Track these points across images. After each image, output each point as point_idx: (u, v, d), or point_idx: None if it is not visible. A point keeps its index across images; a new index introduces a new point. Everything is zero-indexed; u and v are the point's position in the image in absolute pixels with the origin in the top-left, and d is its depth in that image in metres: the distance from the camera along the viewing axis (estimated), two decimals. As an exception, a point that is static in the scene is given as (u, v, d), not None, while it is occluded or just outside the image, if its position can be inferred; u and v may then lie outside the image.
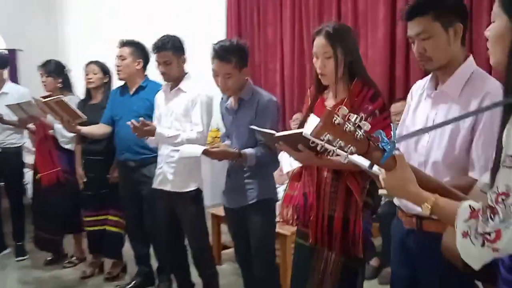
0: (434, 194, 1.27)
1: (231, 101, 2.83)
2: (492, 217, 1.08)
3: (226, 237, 3.77)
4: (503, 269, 1.23)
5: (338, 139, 1.16)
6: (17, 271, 4.32)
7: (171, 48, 3.07)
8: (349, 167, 1.75)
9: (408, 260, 1.87)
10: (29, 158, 4.62)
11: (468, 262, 1.16)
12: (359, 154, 1.21)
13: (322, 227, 2.20)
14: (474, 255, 1.13)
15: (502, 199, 1.07)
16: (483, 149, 1.62)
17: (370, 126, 1.18)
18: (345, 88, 2.17)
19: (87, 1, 6.56)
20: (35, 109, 3.85)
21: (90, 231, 3.98)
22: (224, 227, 3.81)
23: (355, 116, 1.17)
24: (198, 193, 3.17)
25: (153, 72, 3.43)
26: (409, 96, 2.00)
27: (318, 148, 1.20)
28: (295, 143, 1.98)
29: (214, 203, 3.33)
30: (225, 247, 4.22)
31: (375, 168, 1.28)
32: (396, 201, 1.89)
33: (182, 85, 3.13)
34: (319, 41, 2.15)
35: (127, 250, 3.97)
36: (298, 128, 2.61)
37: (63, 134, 3.96)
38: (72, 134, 3.83)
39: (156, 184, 3.23)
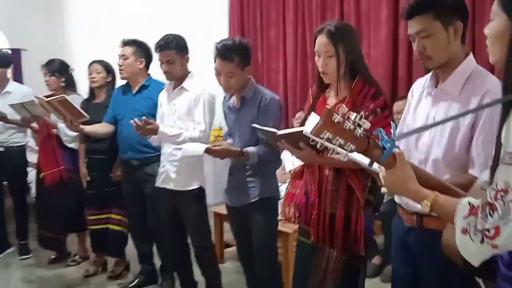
0: (434, 191, 1.28)
1: (233, 100, 2.84)
2: (491, 213, 1.09)
3: (228, 235, 3.78)
4: (502, 265, 1.24)
5: (338, 137, 1.17)
6: (21, 269, 4.35)
7: (174, 47, 3.08)
8: (351, 165, 1.75)
9: (408, 258, 1.87)
10: (32, 157, 4.64)
11: (468, 258, 1.16)
12: (359, 152, 1.22)
13: (324, 225, 2.21)
14: (473, 251, 1.14)
15: (501, 196, 1.08)
16: (483, 146, 1.62)
17: (370, 125, 1.19)
18: (346, 87, 2.18)
19: (90, 0, 6.58)
20: (38, 108, 3.86)
21: (93, 229, 3.99)
22: (226, 226, 3.83)
23: (355, 114, 1.17)
24: (200, 191, 3.18)
25: (156, 71, 3.44)
26: (409, 94, 2.01)
27: (318, 146, 1.21)
28: (297, 141, 1.99)
29: (216, 202, 3.35)
30: (228, 246, 4.24)
31: (375, 166, 1.29)
32: (396, 198, 1.90)
33: (185, 84, 3.14)
34: (321, 40, 2.16)
35: (130, 248, 3.98)
36: (300, 126, 2.62)
37: (66, 133, 3.98)
38: (75, 133, 3.84)
39: (159, 183, 3.24)
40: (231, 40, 2.77)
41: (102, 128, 3.64)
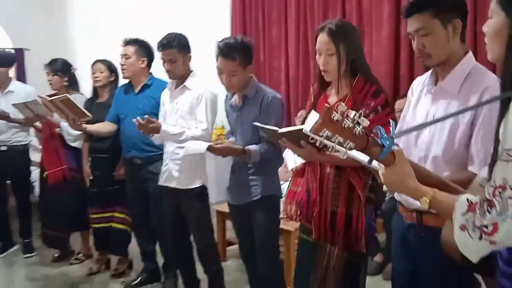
0: (433, 188, 1.29)
1: (235, 99, 2.85)
2: (489, 210, 1.10)
3: (231, 233, 3.80)
4: (501, 261, 1.25)
5: (337, 135, 1.18)
6: (25, 267, 4.37)
7: (177, 46, 3.09)
8: (352, 163, 1.76)
9: (408, 255, 1.88)
10: (35, 156, 4.65)
11: (466, 255, 1.17)
12: (358, 150, 1.23)
13: (325, 223, 2.22)
14: (472, 248, 1.15)
15: (499, 192, 1.09)
16: (482, 143, 1.63)
17: (369, 122, 1.20)
18: (347, 85, 2.19)
19: (92, 0, 6.60)
20: (41, 107, 3.88)
21: (96, 228, 4.01)
22: (229, 224, 3.84)
23: (354, 112, 1.18)
24: (203, 190, 3.19)
25: (158, 70, 3.46)
26: (409, 92, 2.02)
27: (317, 144, 1.23)
28: (298, 140, 2.00)
29: (219, 200, 3.36)
30: (230, 244, 4.25)
31: (375, 163, 1.30)
32: (396, 196, 1.91)
33: (187, 83, 3.15)
34: (322, 38, 2.17)
35: (133, 246, 4.00)
36: (301, 124, 2.63)
37: (69, 132, 4.00)
38: (78, 132, 3.86)
39: (161, 181, 3.25)
40: (233, 39, 2.77)
41: (104, 127, 3.66)
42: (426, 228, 1.75)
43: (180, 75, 3.15)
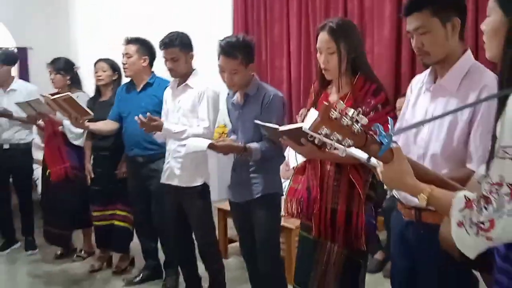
0: (431, 185, 1.30)
1: (237, 97, 2.86)
2: (486, 206, 1.11)
3: (232, 231, 3.81)
4: (498, 257, 1.26)
5: (336, 133, 1.19)
6: (28, 265, 4.39)
7: (179, 45, 3.10)
8: (352, 160, 1.77)
9: (407, 252, 1.90)
10: (38, 154, 4.67)
11: (463, 251, 1.18)
12: (357, 147, 1.24)
13: (325, 220, 2.23)
14: (469, 244, 1.16)
15: (496, 189, 1.10)
16: (480, 141, 1.64)
17: (367, 120, 1.21)
18: (348, 83, 2.20)
19: (94, -1, 6.63)
20: (44, 106, 3.90)
21: (98, 225, 4.03)
22: (230, 221, 3.86)
23: (352, 110, 1.20)
24: (205, 188, 3.21)
25: (160, 68, 3.47)
26: (408, 90, 2.03)
27: (316, 142, 1.24)
28: (298, 137, 2.01)
29: (220, 198, 3.38)
30: (231, 241, 4.26)
31: (374, 160, 1.32)
32: (395, 193, 1.92)
33: (189, 81, 3.16)
34: (323, 37, 2.18)
35: (135, 244, 4.02)
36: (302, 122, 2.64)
37: (72, 131, 4.02)
38: (80, 130, 3.88)
39: (163, 179, 3.27)
40: (234, 37, 2.79)
41: (106, 125, 3.68)
42: (425, 225, 1.76)
43: (182, 74, 3.16)
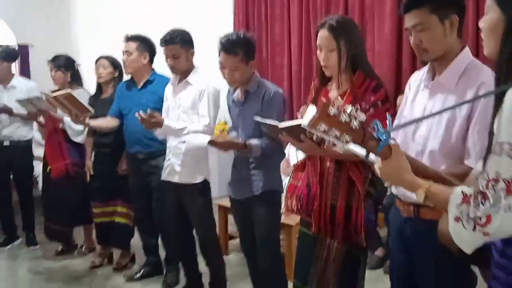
0: (429, 181, 1.31)
1: (237, 94, 2.86)
2: (483, 202, 1.12)
3: (233, 227, 3.83)
4: (495, 253, 1.27)
5: (334, 129, 1.20)
6: (29, 261, 4.41)
7: (180, 42, 3.11)
8: (352, 157, 1.79)
9: (405, 247, 1.91)
10: (38, 151, 4.68)
11: (461, 246, 1.20)
12: (355, 144, 1.25)
13: (325, 216, 2.24)
14: (466, 239, 1.17)
15: (492, 185, 1.11)
16: (478, 137, 1.65)
17: (365, 117, 1.22)
18: (348, 80, 2.21)
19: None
20: (44, 103, 3.92)
21: (99, 222, 4.04)
22: (231, 218, 3.87)
23: (351, 107, 1.21)
24: (205, 184, 3.22)
25: (160, 65, 3.48)
26: (407, 87, 2.04)
27: (314, 138, 1.25)
28: (297, 134, 2.02)
29: (221, 195, 3.39)
30: (232, 238, 4.28)
31: (372, 156, 1.33)
32: (393, 190, 1.93)
33: (190, 78, 3.17)
34: (323, 34, 2.19)
35: (136, 240, 4.04)
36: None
37: (72, 127, 4.03)
38: (80, 127, 3.89)
39: (164, 176, 3.28)
40: (235, 34, 2.80)
41: (107, 122, 3.68)
42: (423, 221, 1.77)
43: (183, 71, 3.17)
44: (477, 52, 3.42)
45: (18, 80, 4.68)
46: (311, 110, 1.24)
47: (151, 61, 3.62)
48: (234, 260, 4.06)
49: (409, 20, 1.79)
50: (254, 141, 2.70)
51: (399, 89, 4.29)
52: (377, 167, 1.36)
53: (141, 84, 3.60)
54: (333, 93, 2.26)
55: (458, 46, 1.80)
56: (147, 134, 3.38)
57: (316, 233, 2.30)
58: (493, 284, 1.29)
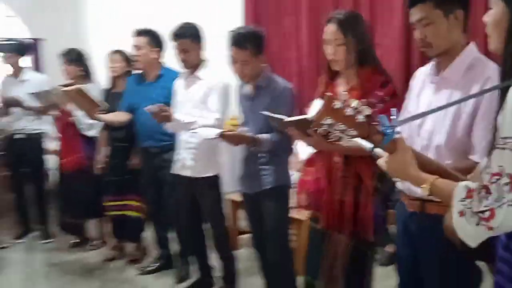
0: (434, 175, 1.31)
1: (248, 88, 2.88)
2: (487, 196, 1.13)
3: (243, 222, 3.85)
4: (499, 246, 1.27)
5: (339, 123, 1.21)
6: (44, 253, 4.48)
7: (190, 36, 3.13)
8: (359, 152, 1.79)
9: (409, 242, 1.91)
10: (52, 145, 4.73)
11: (465, 240, 1.20)
12: (360, 138, 1.26)
13: (333, 211, 2.26)
14: (470, 233, 1.18)
15: (496, 179, 1.11)
16: (483, 132, 1.64)
17: (371, 110, 1.23)
18: (356, 75, 2.21)
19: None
20: (56, 97, 3.96)
21: (112, 215, 4.08)
22: (241, 213, 3.89)
23: (356, 101, 1.22)
24: (216, 178, 3.25)
25: (170, 59, 3.50)
26: (411, 82, 2.03)
27: (319, 132, 1.26)
28: (305, 128, 2.02)
29: (232, 189, 3.41)
30: (243, 232, 4.29)
31: (378, 150, 1.34)
32: (399, 185, 1.94)
33: (200, 73, 3.19)
34: (330, 28, 2.19)
35: (148, 234, 4.08)
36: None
37: (82, 121, 4.08)
38: (90, 121, 3.91)
39: (175, 170, 3.31)
40: (245, 28, 2.82)
41: (117, 116, 3.68)
42: (428, 216, 1.78)
43: (194, 65, 3.18)
44: (486, 48, 3.38)
45: (29, 74, 4.73)
46: (317, 104, 1.25)
47: (161, 55, 3.63)
48: (245, 254, 4.08)
49: (414, 15, 1.79)
50: (264, 135, 2.72)
51: (408, 84, 4.26)
52: (382, 161, 1.37)
53: (151, 78, 3.62)
54: (341, 88, 2.26)
55: (463, 42, 1.80)
56: (158, 128, 3.38)
57: (324, 228, 2.31)
58: (498, 279, 1.30)
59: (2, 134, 4.76)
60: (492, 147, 1.19)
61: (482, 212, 1.13)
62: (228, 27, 2.90)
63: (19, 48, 4.65)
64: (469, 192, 1.18)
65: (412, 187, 1.66)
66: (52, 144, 4.69)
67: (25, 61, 4.83)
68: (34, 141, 4.65)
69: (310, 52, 5.14)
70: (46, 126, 4.70)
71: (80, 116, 3.98)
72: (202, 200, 3.28)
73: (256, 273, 3.23)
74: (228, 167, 3.37)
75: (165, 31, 3.38)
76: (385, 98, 2.10)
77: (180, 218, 3.46)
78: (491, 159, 1.15)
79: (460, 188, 1.21)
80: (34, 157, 4.70)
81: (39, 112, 4.50)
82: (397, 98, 2.16)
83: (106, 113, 3.61)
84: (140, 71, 3.70)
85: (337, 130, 1.22)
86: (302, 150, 4.19)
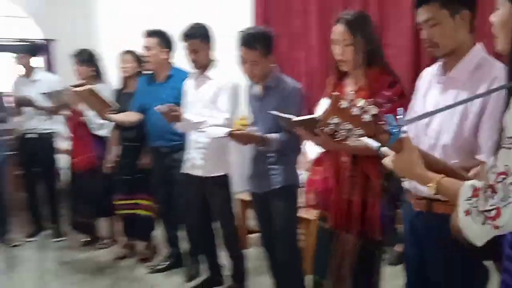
0: (440, 175, 1.32)
1: (257, 88, 2.89)
2: (492, 195, 1.13)
3: (252, 222, 3.86)
4: (506, 245, 1.28)
5: (346, 123, 1.23)
6: (55, 251, 4.52)
7: (200, 36, 3.15)
8: (367, 151, 1.80)
9: (416, 241, 1.92)
10: (63, 144, 4.77)
11: (471, 239, 1.21)
12: (367, 137, 1.27)
13: (341, 211, 2.27)
14: (476, 232, 1.18)
15: (502, 178, 1.12)
16: (490, 132, 1.64)
17: (377, 110, 1.24)
18: (364, 75, 2.22)
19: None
20: (68, 97, 4.00)
21: (123, 214, 4.11)
22: (250, 212, 3.91)
23: (363, 100, 1.23)
24: (226, 178, 3.27)
25: (179, 60, 3.52)
26: (418, 82, 2.04)
27: (325, 131, 1.27)
28: (312, 128, 2.04)
29: (242, 189, 3.43)
30: (251, 232, 4.31)
31: (385, 149, 1.35)
32: (406, 184, 1.94)
33: (210, 73, 3.21)
34: (338, 29, 2.21)
35: (158, 233, 4.12)
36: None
37: (93, 121, 4.12)
38: (100, 121, 3.94)
39: (185, 169, 3.33)
40: (254, 29, 2.83)
41: (127, 116, 3.71)
42: (435, 215, 1.78)
43: (203, 65, 3.20)
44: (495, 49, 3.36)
45: (41, 74, 4.78)
46: (324, 104, 1.26)
47: (171, 56, 3.65)
48: (254, 254, 4.10)
49: (421, 15, 1.80)
50: (273, 135, 2.73)
51: (418, 85, 4.25)
52: (388, 160, 1.38)
53: (161, 79, 3.64)
54: (349, 88, 2.27)
55: (470, 42, 1.80)
56: (169, 128, 3.41)
57: (332, 228, 2.32)
58: (505, 277, 1.31)
59: (14, 134, 4.82)
60: (498, 146, 1.19)
61: (488, 211, 1.13)
62: (238, 27, 2.91)
63: (31, 49, 4.71)
64: (475, 191, 1.19)
65: (419, 187, 1.67)
66: (63, 143, 4.74)
67: (37, 61, 4.87)
68: (45, 140, 4.70)
69: (319, 53, 5.13)
70: (57, 125, 4.74)
71: (91, 116, 4.01)
72: (212, 199, 3.31)
73: (265, 272, 3.25)
74: (237, 167, 3.38)
75: (175, 32, 3.40)
76: (393, 98, 2.11)
77: (190, 217, 3.48)
78: (497, 158, 1.15)
79: (466, 187, 1.22)
80: (46, 157, 4.74)
81: (51, 112, 4.55)
82: (405, 98, 2.16)
83: (117, 113, 3.65)
84: (151, 72, 3.73)
85: (344, 129, 1.23)
86: (311, 149, 4.20)
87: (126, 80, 4.07)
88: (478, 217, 1.16)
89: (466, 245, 1.28)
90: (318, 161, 2.48)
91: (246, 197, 3.69)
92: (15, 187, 5.02)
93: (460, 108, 1.70)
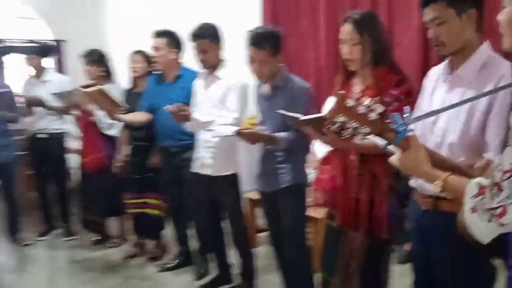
0: (446, 172, 1.33)
1: (265, 88, 2.90)
2: (498, 193, 1.14)
3: (261, 220, 3.87)
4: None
5: (352, 121, 1.24)
6: (66, 250, 4.57)
7: (209, 36, 3.16)
8: (375, 150, 1.80)
9: (422, 240, 1.93)
10: (73, 144, 4.81)
11: (477, 237, 1.21)
12: (374, 135, 1.28)
13: (349, 209, 2.27)
14: (482, 230, 1.19)
15: (508, 176, 1.13)
16: (497, 130, 1.64)
17: (383, 109, 1.25)
18: (371, 74, 2.22)
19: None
20: (78, 97, 4.03)
21: (133, 213, 4.14)
22: (259, 211, 3.92)
23: (369, 99, 1.24)
24: (235, 177, 3.28)
25: (188, 60, 3.53)
26: (424, 80, 2.04)
27: (332, 129, 1.28)
28: (320, 126, 2.05)
29: (251, 188, 3.44)
30: (260, 230, 4.32)
31: (392, 147, 1.36)
32: (412, 182, 1.95)
33: (219, 73, 3.22)
34: (346, 28, 2.22)
35: (168, 231, 4.14)
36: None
37: (102, 121, 4.15)
38: (110, 121, 3.97)
39: (195, 169, 3.35)
40: (263, 28, 2.84)
41: (137, 116, 3.73)
42: (441, 213, 1.78)
43: (212, 65, 3.22)
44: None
45: (51, 74, 4.82)
46: (330, 103, 1.27)
47: (180, 56, 3.67)
48: (263, 252, 4.10)
49: (427, 14, 1.80)
50: (281, 134, 2.74)
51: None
52: (395, 158, 1.39)
53: (171, 79, 3.66)
54: (356, 87, 2.28)
55: (477, 41, 1.80)
56: (178, 128, 3.42)
57: (340, 226, 2.33)
58: (511, 274, 1.31)
59: (25, 134, 4.87)
60: (504, 144, 1.20)
61: (494, 208, 1.14)
62: (246, 27, 2.92)
63: (42, 50, 4.76)
64: (481, 189, 1.20)
65: (425, 185, 1.67)
66: (74, 143, 4.78)
67: (48, 62, 4.91)
68: (56, 140, 4.74)
69: (327, 52, 5.13)
70: (68, 125, 4.78)
71: (100, 116, 4.05)
72: (221, 198, 3.33)
73: (273, 271, 3.26)
74: (246, 166, 3.40)
75: (184, 32, 3.41)
76: (400, 97, 2.11)
77: (200, 216, 3.50)
78: (503, 156, 1.16)
79: (472, 185, 1.22)
80: (56, 156, 4.79)
81: (61, 112, 4.59)
82: (412, 97, 2.16)
83: (126, 113, 3.67)
84: (160, 72, 3.75)
85: (350, 127, 1.25)
86: (319, 148, 4.21)
87: (136, 80, 4.09)
88: (484, 215, 1.17)
89: (472, 243, 1.29)
90: (326, 160, 2.49)
91: (255, 196, 3.70)
92: (26, 186, 5.09)
93: (466, 106, 1.70)
